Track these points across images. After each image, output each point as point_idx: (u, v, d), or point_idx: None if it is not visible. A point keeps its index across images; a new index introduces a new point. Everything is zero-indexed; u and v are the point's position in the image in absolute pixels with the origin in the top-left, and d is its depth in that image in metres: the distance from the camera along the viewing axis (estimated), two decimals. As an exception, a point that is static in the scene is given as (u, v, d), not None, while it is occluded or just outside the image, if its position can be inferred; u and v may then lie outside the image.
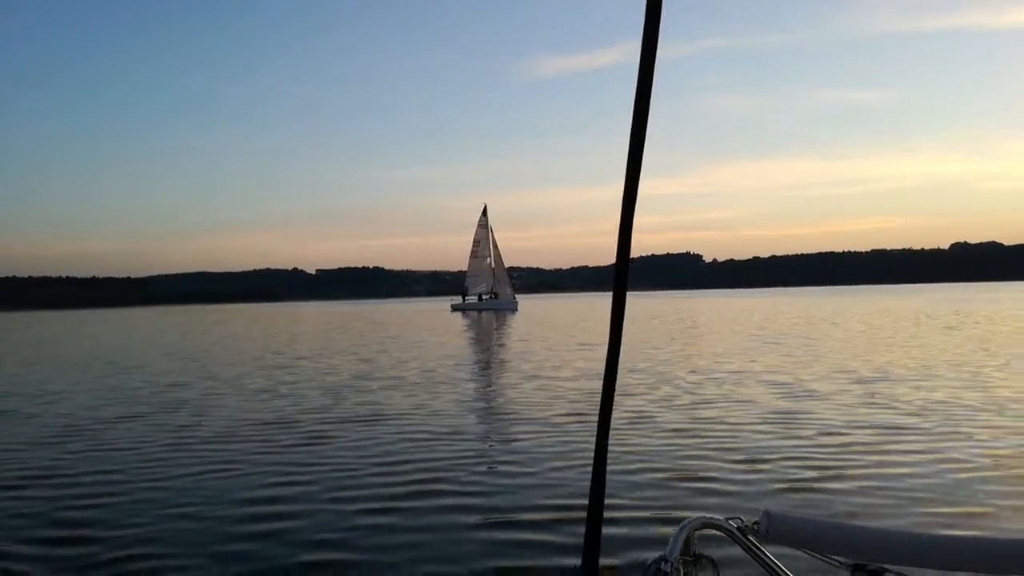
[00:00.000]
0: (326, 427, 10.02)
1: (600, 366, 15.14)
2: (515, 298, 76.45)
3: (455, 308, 73.68)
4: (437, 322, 49.71)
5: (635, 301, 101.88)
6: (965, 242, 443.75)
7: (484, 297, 74.69)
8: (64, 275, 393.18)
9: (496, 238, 75.86)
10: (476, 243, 75.75)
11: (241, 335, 39.96)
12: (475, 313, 66.14)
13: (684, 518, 1.28)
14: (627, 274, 1.15)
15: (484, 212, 76.17)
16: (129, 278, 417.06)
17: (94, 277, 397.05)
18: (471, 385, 15.01)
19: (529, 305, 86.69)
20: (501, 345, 27.44)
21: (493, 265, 75.74)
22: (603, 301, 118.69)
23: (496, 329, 39.17)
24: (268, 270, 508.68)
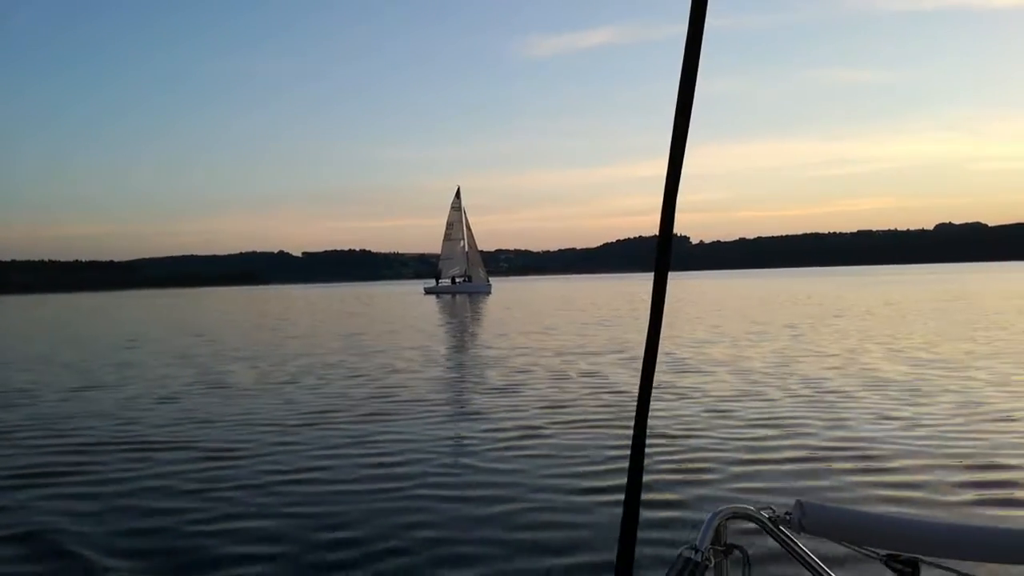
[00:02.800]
0: (60, 394, 11.91)
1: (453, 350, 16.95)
2: (489, 281, 76.48)
3: (428, 291, 73.72)
4: (391, 306, 49.72)
5: (604, 284, 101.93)
6: (950, 223, 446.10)
7: (458, 280, 74.65)
8: (48, 259, 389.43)
9: (483, 220, 76.21)
10: (450, 226, 75.54)
11: (163, 320, 40.93)
12: (448, 296, 66.19)
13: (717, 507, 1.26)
14: (669, 257, 1.13)
15: (457, 195, 75.97)
16: (112, 262, 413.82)
17: (77, 261, 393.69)
18: (249, 363, 15.84)
19: (505, 288, 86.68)
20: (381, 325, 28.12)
21: (467, 248, 75.69)
22: (585, 284, 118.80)
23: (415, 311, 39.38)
24: (254, 253, 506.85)
